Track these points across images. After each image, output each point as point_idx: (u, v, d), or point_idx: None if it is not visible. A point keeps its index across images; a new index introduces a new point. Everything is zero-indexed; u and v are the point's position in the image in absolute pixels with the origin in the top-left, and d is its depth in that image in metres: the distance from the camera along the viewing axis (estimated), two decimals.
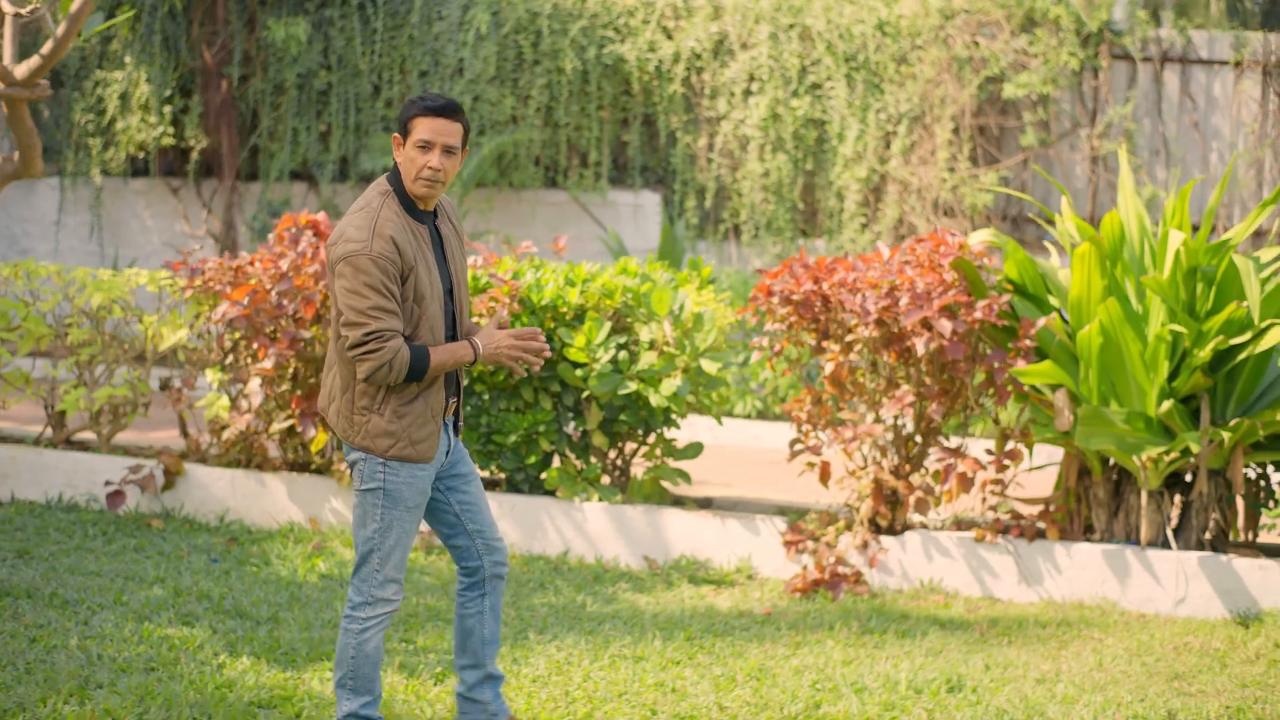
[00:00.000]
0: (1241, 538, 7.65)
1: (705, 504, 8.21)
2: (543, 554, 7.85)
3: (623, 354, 7.58)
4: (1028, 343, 7.25)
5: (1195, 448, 7.06)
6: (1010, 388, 7.35)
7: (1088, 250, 7.11)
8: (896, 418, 7.50)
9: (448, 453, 4.88)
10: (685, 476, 7.85)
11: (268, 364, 7.74)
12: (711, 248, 12.69)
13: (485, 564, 5.05)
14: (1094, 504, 7.55)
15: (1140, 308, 7.36)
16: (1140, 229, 7.56)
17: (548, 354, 4.85)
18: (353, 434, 4.72)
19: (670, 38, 12.66)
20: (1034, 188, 12.51)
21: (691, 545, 7.72)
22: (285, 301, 7.77)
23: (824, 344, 7.52)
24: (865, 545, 7.46)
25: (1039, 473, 8.89)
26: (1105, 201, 12.51)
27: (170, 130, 12.92)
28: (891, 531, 7.64)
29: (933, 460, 7.44)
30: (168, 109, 12.88)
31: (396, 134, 4.68)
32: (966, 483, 7.34)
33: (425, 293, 4.64)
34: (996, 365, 7.25)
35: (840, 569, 7.37)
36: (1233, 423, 7.13)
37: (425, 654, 6.25)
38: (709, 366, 7.48)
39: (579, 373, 7.53)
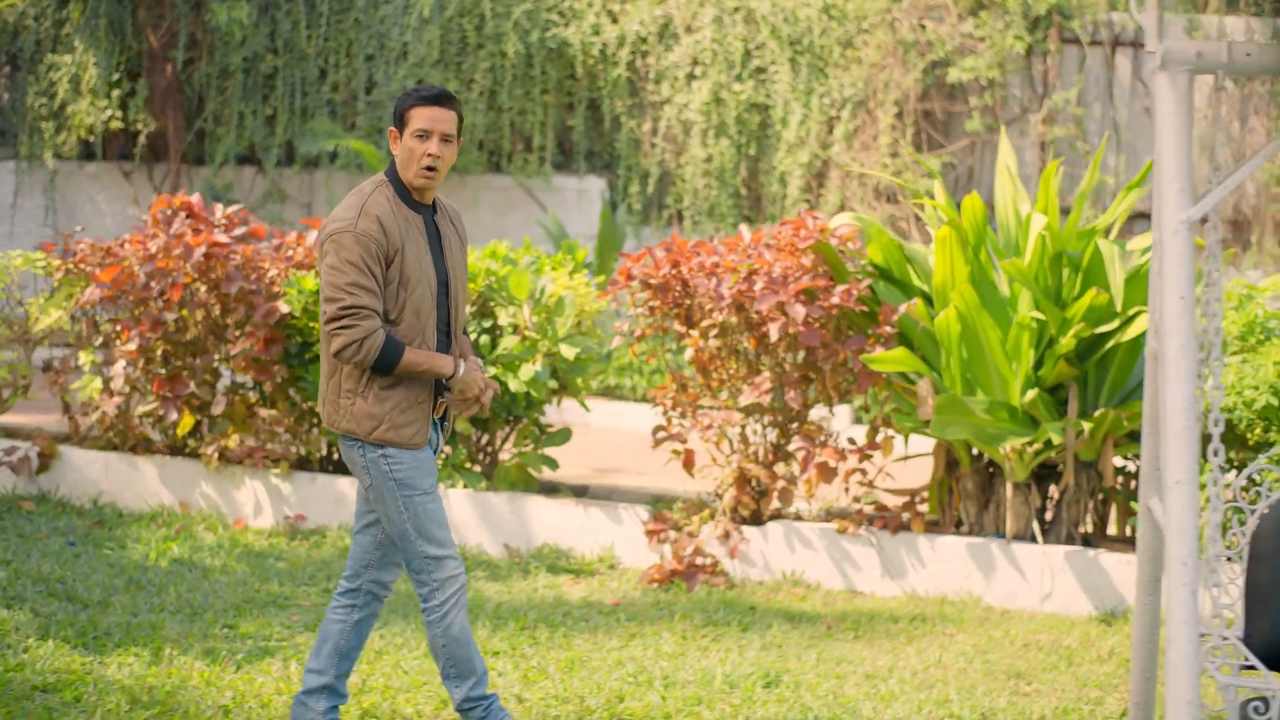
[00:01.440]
0: (1120, 532, 7.45)
1: (580, 491, 8.09)
2: None
3: (486, 338, 7.47)
4: (888, 329, 7.07)
5: (1056, 439, 6.87)
6: (877, 376, 7.17)
7: (947, 234, 6.92)
8: (760, 405, 7.34)
9: (436, 450, 4.86)
10: (551, 463, 7.74)
11: (131, 346, 7.68)
12: (655, 234, 12.54)
13: (366, 576, 4.95)
14: (963, 496, 7.37)
15: (1009, 294, 7.17)
16: (1015, 214, 7.36)
17: (489, 400, 4.83)
18: (338, 418, 4.71)
19: (615, 21, 12.52)
20: (981, 174, 12.27)
21: (555, 534, 7.60)
22: (153, 283, 7.71)
23: (689, 329, 7.37)
24: (727, 535, 7.32)
25: (920, 463, 8.68)
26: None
27: (118, 114, 12.91)
28: (759, 521, 7.49)
29: (795, 449, 7.28)
30: (115, 93, 12.87)
31: (392, 128, 4.71)
32: (828, 473, 7.18)
33: (412, 277, 4.62)
34: (854, 352, 7.08)
35: (698, 560, 7.23)
36: (1097, 414, 6.93)
37: (242, 640, 6.17)
38: (568, 351, 7.35)
39: None
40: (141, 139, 12.94)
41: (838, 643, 6.53)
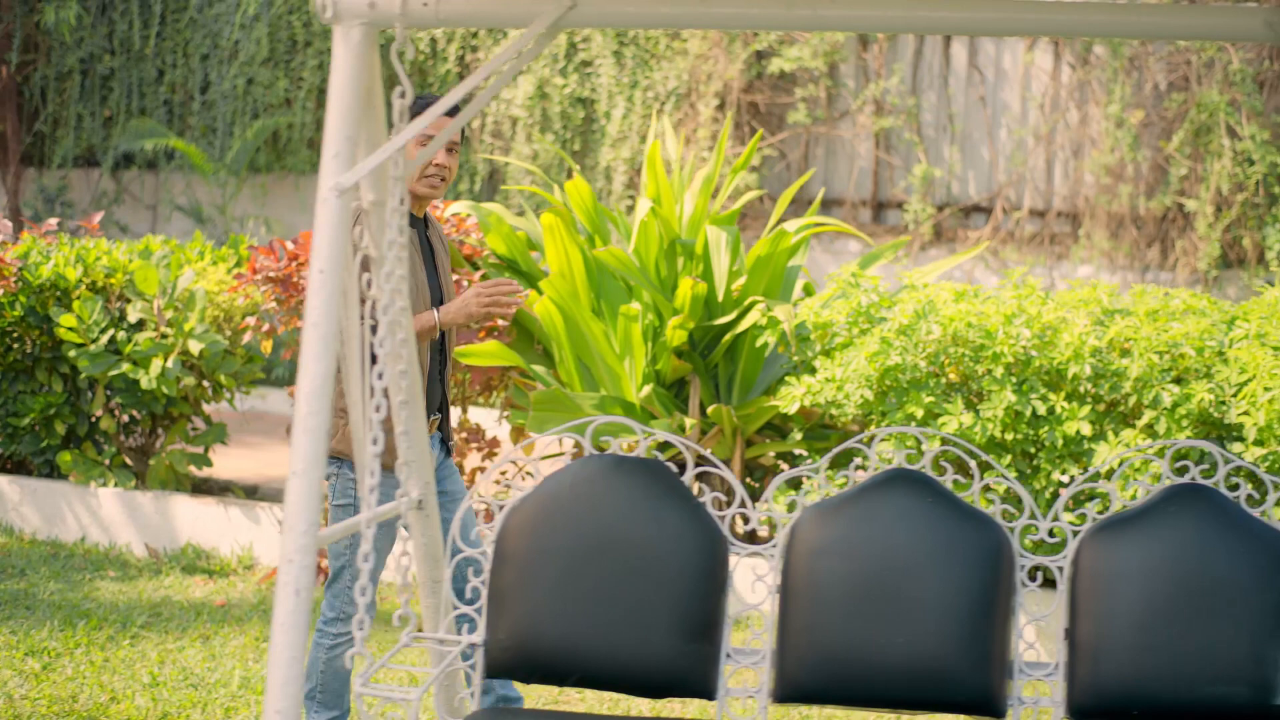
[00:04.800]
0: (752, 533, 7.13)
1: (252, 491, 7.91)
2: (60, 539, 7.63)
3: (123, 334, 7.32)
4: (501, 322, 6.81)
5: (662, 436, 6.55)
6: (492, 371, 6.92)
7: (553, 221, 6.65)
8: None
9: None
10: (202, 461, 7.57)
11: None
12: None
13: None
14: None
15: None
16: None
17: (522, 295, 4.58)
18: (328, 439, 4.53)
19: None
20: (813, 167, 11.88)
21: (199, 534, 7.44)
22: None
23: None
24: None
25: None
26: (885, 182, 11.83)
27: None
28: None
29: None
30: None
31: None
32: None
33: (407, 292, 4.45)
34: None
35: (324, 561, 7.01)
36: (710, 409, 6.62)
37: None
38: (194, 347, 7.17)
39: (73, 353, 7.29)
40: None
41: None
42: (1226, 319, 6.38)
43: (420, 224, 4.60)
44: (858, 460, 3.89)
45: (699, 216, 6.79)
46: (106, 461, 7.60)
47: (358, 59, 3.52)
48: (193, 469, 7.62)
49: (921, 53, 11.72)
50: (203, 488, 7.88)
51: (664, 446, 6.78)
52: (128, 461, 7.69)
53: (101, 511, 7.53)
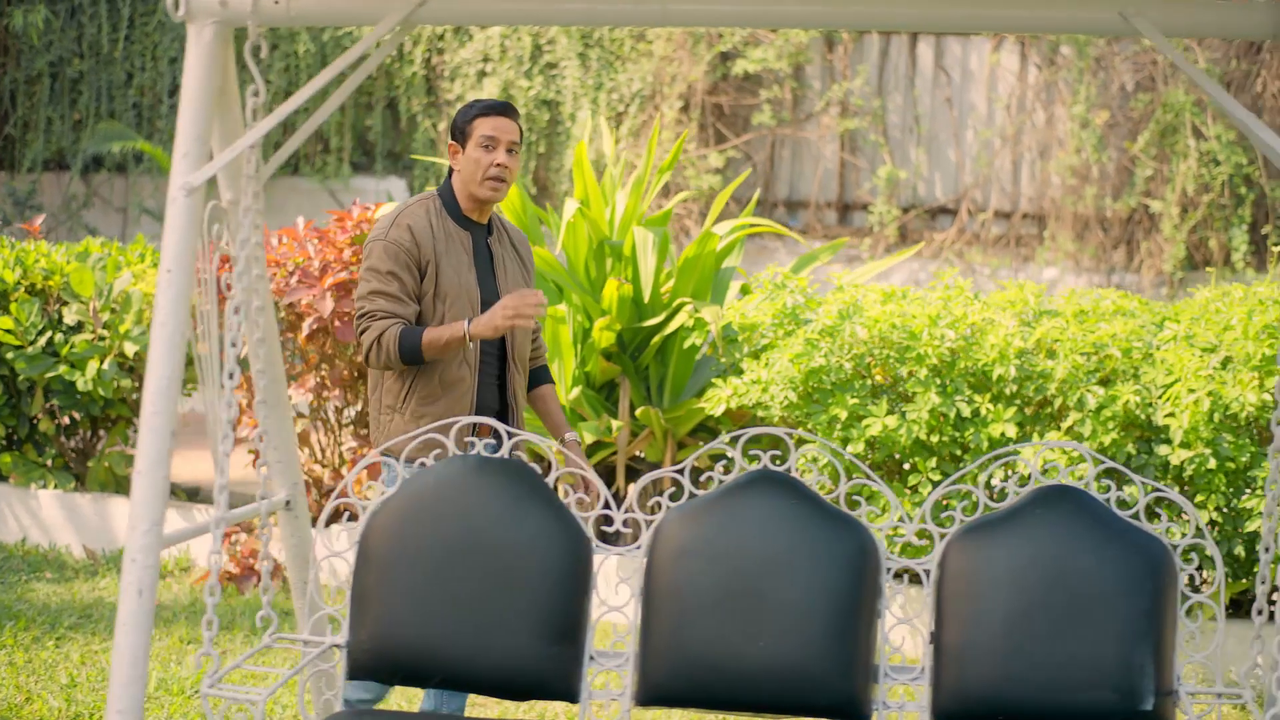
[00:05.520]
0: None
1: (194, 494, 7.91)
2: (0, 541, 7.63)
3: (60, 336, 7.31)
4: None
5: (590, 438, 6.55)
6: None
7: None
8: (319, 404, 7.11)
9: None
10: None
11: None
12: None
13: None
14: None
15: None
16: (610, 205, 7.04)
17: (545, 303, 4.48)
18: (379, 435, 4.53)
19: None
20: (779, 169, 11.87)
21: None
22: None
23: None
24: None
25: None
26: (851, 184, 11.80)
27: None
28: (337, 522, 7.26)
29: (347, 449, 7.04)
30: None
31: (451, 142, 4.49)
32: (377, 472, 6.92)
33: (449, 291, 4.40)
34: None
35: (259, 563, 7.01)
36: (639, 411, 6.61)
37: None
38: (130, 349, 7.17)
39: (11, 355, 7.29)
40: None
41: None
42: (1157, 320, 6.36)
43: (479, 229, 4.50)
44: (724, 463, 3.88)
45: (629, 218, 6.77)
46: (47, 463, 7.60)
47: (211, 58, 3.51)
48: (132, 471, 7.60)
49: (887, 54, 11.69)
50: None
51: (596, 448, 6.76)
52: (68, 463, 7.70)
53: (41, 513, 7.53)
